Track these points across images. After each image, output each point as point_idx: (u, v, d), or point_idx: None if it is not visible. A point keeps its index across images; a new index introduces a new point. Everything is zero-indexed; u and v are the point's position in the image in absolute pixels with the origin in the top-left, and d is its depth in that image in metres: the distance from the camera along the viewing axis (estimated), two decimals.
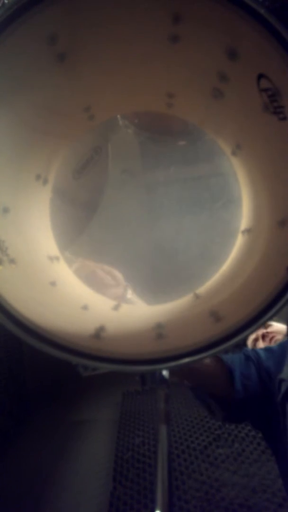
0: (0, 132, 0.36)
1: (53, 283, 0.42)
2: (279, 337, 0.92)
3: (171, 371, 0.39)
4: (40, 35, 0.32)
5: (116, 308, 0.48)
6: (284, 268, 0.30)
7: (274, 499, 1.04)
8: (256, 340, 1.10)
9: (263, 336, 1.08)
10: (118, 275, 0.55)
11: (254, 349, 0.71)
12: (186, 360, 0.30)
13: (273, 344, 0.85)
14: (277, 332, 0.93)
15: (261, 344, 0.92)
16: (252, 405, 0.62)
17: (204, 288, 0.47)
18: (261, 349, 0.71)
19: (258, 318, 0.30)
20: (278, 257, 0.34)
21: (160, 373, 0.37)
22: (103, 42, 0.36)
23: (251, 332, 0.30)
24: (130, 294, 0.54)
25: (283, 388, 0.57)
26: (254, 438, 1.32)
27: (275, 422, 0.59)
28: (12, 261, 0.36)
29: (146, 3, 0.32)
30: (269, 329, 1.07)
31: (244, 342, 0.96)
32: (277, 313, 0.29)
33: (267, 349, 0.71)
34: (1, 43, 0.30)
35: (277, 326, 1.06)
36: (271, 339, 0.92)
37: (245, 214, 0.49)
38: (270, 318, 0.29)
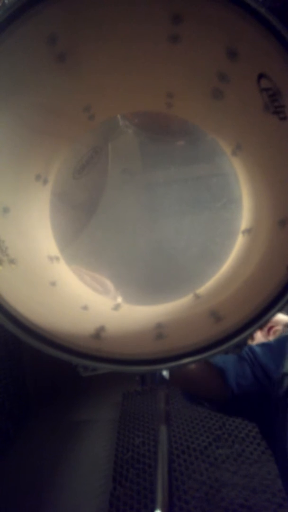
0: (0, 132, 0.36)
1: (53, 283, 0.42)
2: (279, 328, 0.91)
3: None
4: (40, 35, 0.32)
5: (116, 308, 0.48)
6: (284, 268, 0.30)
7: (274, 499, 1.04)
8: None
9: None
10: (107, 281, 0.53)
11: (249, 347, 0.71)
12: (186, 360, 0.30)
13: (271, 335, 0.84)
14: (277, 323, 0.92)
15: (259, 335, 0.92)
16: (247, 402, 0.62)
17: (204, 288, 0.47)
18: (257, 345, 0.71)
19: (259, 318, 0.30)
20: (278, 257, 0.34)
21: (160, 373, 0.37)
22: (103, 42, 0.35)
23: (252, 332, 0.30)
24: (120, 300, 0.51)
25: (286, 383, 0.57)
26: (254, 439, 1.32)
27: (273, 419, 0.58)
28: (12, 261, 0.36)
29: (146, 3, 0.32)
30: None
31: (244, 342, 0.96)
32: (277, 312, 0.29)
33: (264, 345, 0.70)
34: (1, 43, 0.30)
35: (277, 317, 1.05)
36: (269, 329, 0.90)
37: (245, 214, 0.49)
38: (271, 318, 0.29)
